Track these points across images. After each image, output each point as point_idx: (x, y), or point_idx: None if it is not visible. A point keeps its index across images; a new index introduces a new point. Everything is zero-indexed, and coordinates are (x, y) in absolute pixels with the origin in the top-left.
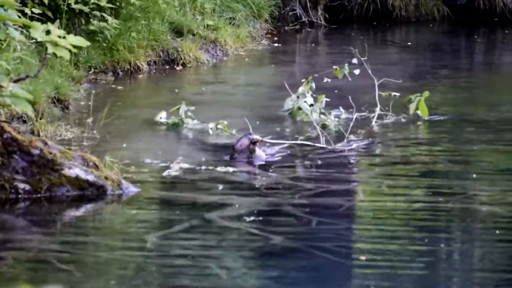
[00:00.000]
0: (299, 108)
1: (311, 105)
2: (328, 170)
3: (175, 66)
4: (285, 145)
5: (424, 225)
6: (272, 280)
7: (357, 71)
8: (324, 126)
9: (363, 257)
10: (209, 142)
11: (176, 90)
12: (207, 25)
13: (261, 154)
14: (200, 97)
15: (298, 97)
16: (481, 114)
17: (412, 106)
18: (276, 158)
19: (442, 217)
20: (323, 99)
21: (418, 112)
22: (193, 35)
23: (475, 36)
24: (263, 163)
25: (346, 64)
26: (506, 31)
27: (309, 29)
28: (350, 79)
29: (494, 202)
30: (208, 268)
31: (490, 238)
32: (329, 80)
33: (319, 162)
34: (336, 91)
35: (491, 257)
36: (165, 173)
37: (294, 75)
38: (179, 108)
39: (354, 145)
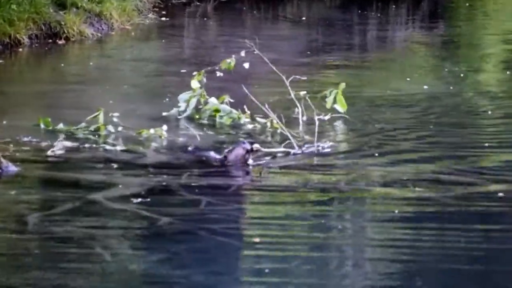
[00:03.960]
0: (217, 110)
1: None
2: (219, 150)
3: (58, 40)
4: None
5: (318, 205)
6: (159, 263)
7: (246, 65)
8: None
9: (256, 239)
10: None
11: (62, 65)
12: None
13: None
14: (86, 73)
15: (189, 99)
16: (376, 92)
17: (328, 101)
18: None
19: (336, 196)
20: (226, 99)
21: (336, 106)
22: (77, 8)
23: (368, 11)
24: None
25: (233, 56)
26: (394, 6)
27: (198, 3)
28: (233, 72)
29: (389, 182)
30: (92, 250)
31: (382, 217)
32: (221, 74)
33: (211, 143)
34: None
35: (382, 236)
36: (49, 152)
37: (182, 51)
38: (98, 115)
39: (327, 146)
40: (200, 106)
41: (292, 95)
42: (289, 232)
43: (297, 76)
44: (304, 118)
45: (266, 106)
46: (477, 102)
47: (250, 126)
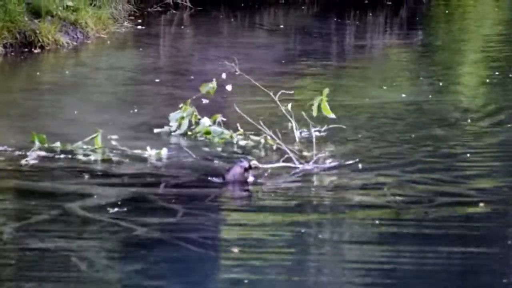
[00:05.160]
0: (207, 133)
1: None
2: (196, 159)
3: (33, 49)
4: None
5: (298, 216)
6: (136, 273)
7: (229, 87)
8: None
9: (235, 249)
10: (63, 129)
11: (38, 73)
12: (67, 6)
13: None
14: (62, 82)
15: (182, 117)
16: (354, 100)
17: (314, 108)
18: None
19: (314, 207)
20: (219, 118)
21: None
22: (52, 16)
23: (346, 19)
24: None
25: (214, 80)
26: (371, 14)
27: (174, 11)
28: (212, 95)
29: (369, 192)
30: (68, 260)
31: (362, 229)
32: (207, 101)
33: (186, 154)
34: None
35: (361, 246)
36: (23, 162)
37: (158, 59)
38: (96, 137)
39: (329, 161)
40: (193, 126)
41: (283, 110)
42: (267, 243)
43: (284, 91)
44: (298, 132)
45: (261, 123)
46: (457, 111)
47: (243, 143)
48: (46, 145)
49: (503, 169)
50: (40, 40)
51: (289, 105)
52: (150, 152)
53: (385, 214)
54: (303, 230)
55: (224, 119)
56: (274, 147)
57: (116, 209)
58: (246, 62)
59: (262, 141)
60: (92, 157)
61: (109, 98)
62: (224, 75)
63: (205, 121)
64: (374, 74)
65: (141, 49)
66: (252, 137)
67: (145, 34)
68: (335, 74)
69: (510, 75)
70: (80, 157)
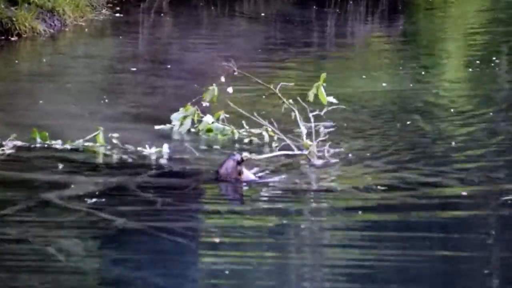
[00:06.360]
0: (209, 130)
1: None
2: (177, 150)
3: (10, 37)
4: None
5: (278, 205)
6: (115, 264)
7: (230, 89)
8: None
9: (216, 240)
10: (42, 120)
11: (16, 61)
12: None
13: (249, 174)
14: (39, 70)
15: (185, 117)
16: (335, 90)
17: (310, 94)
18: (267, 177)
19: (297, 197)
20: (222, 115)
21: (329, 98)
22: (29, 3)
23: (327, 7)
24: (254, 184)
25: (214, 85)
26: (352, 2)
27: None
28: (216, 103)
29: (351, 182)
30: (46, 251)
31: (345, 218)
32: (208, 104)
33: (171, 144)
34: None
35: (342, 236)
36: None
37: (136, 47)
38: (97, 135)
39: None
40: (195, 125)
41: (287, 103)
42: (248, 233)
43: (285, 83)
44: (302, 125)
45: (256, 115)
46: (439, 100)
47: (247, 140)
48: (48, 142)
49: (487, 157)
50: (17, 27)
51: (290, 100)
52: (150, 151)
53: (368, 210)
54: (285, 221)
55: (227, 115)
56: (276, 138)
57: (94, 199)
58: (227, 50)
59: (265, 134)
60: (69, 146)
61: (87, 87)
62: (223, 78)
63: (208, 119)
64: (355, 63)
65: (120, 37)
66: (252, 131)
67: (124, 22)
68: (315, 64)
69: (492, 64)
70: (58, 146)
